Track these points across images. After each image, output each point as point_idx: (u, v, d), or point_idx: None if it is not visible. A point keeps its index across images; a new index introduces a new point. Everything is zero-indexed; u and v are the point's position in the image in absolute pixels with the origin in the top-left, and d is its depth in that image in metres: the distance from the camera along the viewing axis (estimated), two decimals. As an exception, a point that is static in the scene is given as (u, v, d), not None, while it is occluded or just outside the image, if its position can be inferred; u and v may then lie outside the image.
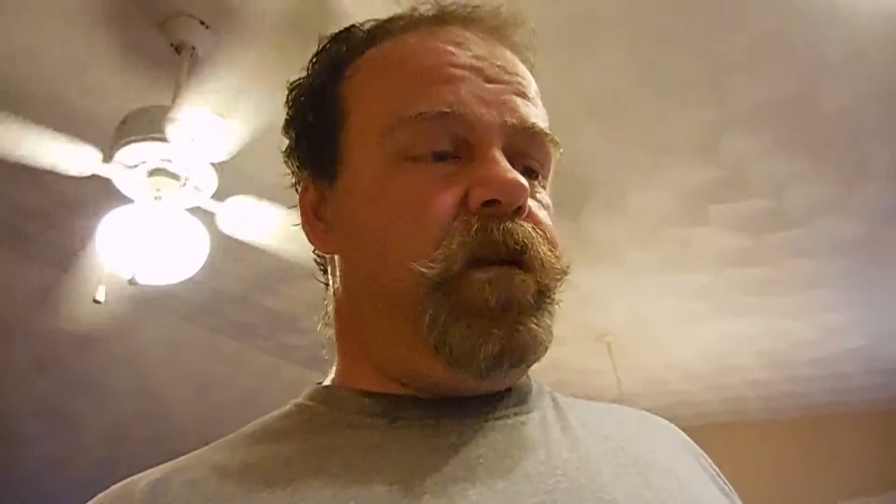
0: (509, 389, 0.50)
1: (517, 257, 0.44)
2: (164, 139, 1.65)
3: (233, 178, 1.88)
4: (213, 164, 1.79)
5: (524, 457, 0.44)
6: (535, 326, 0.44)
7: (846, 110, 2.05)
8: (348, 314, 0.52)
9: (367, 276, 0.49)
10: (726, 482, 0.54)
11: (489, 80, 0.49)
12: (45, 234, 1.86)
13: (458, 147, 0.47)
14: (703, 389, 3.66)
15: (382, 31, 0.54)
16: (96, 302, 1.80)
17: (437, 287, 0.44)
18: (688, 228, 2.60)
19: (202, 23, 1.81)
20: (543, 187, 0.51)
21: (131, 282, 1.79)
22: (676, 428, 0.57)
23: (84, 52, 1.81)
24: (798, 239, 2.64)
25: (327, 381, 0.53)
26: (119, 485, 0.45)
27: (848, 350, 3.47)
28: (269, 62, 1.74)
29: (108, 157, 1.69)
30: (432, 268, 0.44)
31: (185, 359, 3.40)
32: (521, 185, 0.45)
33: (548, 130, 0.50)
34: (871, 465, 4.01)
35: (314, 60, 0.56)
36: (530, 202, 0.47)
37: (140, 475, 0.45)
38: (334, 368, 0.54)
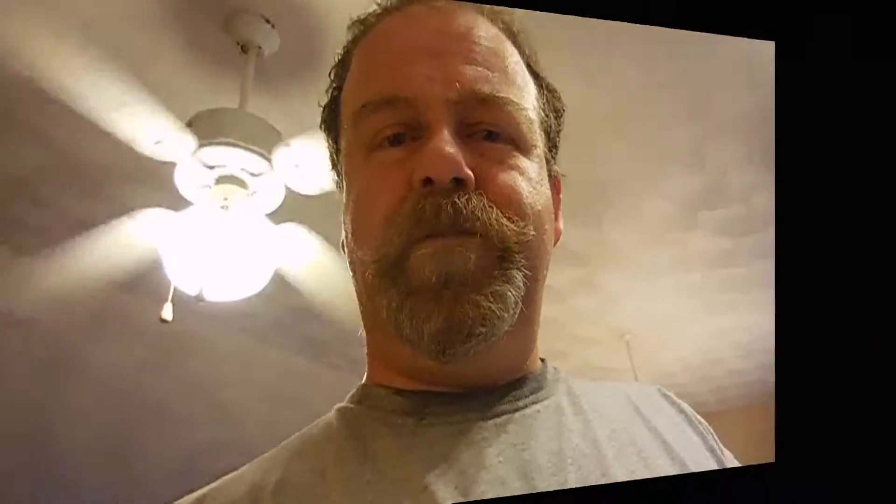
0: (525, 377, 0.50)
1: (460, 228, 0.43)
2: (265, 155, 1.55)
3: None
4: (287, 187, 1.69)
5: (539, 449, 0.44)
6: (477, 298, 0.42)
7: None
8: (363, 316, 0.52)
9: (353, 277, 0.50)
10: (717, 439, 0.54)
11: (438, 55, 0.47)
12: (108, 250, 1.67)
13: (413, 128, 0.46)
14: (695, 381, 3.94)
15: (364, 29, 0.53)
16: (163, 321, 1.62)
17: (386, 273, 0.44)
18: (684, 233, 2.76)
19: (267, 21, 1.71)
20: (525, 153, 0.48)
21: (198, 298, 1.64)
22: (666, 392, 0.58)
23: (148, 49, 1.65)
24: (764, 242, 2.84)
25: (365, 379, 0.53)
26: None
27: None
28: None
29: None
30: (373, 255, 0.44)
31: (259, 380, 3.13)
32: (446, 157, 0.43)
33: (498, 93, 0.47)
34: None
35: (330, 73, 0.55)
36: (494, 167, 0.46)
37: (181, 500, 0.45)
38: (367, 368, 0.54)
